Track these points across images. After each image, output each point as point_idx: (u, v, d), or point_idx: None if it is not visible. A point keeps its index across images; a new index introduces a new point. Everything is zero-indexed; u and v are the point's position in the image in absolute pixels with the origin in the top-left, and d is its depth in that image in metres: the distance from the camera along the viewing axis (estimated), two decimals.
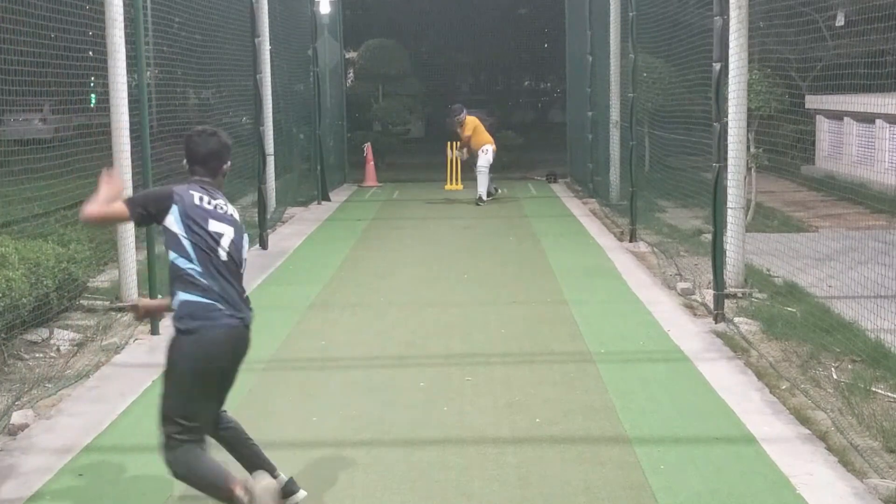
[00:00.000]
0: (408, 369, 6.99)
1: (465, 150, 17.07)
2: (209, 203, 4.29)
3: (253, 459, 4.52)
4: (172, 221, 4.21)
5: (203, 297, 4.17)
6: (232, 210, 4.40)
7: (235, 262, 4.31)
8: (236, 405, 5.82)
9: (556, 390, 6.38)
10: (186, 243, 4.19)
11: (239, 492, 4.14)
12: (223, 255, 4.23)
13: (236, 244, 4.32)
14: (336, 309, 8.86)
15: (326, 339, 7.82)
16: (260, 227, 12.20)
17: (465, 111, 17.02)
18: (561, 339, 7.69)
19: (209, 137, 4.46)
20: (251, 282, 9.97)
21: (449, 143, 18.76)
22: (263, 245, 12.12)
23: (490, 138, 16.93)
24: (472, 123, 16.84)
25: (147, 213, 4.28)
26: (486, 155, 16.50)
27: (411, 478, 4.98)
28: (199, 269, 4.18)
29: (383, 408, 6.07)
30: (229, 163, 4.52)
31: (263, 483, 4.21)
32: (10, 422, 5.72)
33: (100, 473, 5.10)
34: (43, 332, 7.56)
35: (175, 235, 4.20)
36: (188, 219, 4.20)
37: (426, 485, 4.90)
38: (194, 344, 4.17)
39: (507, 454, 5.29)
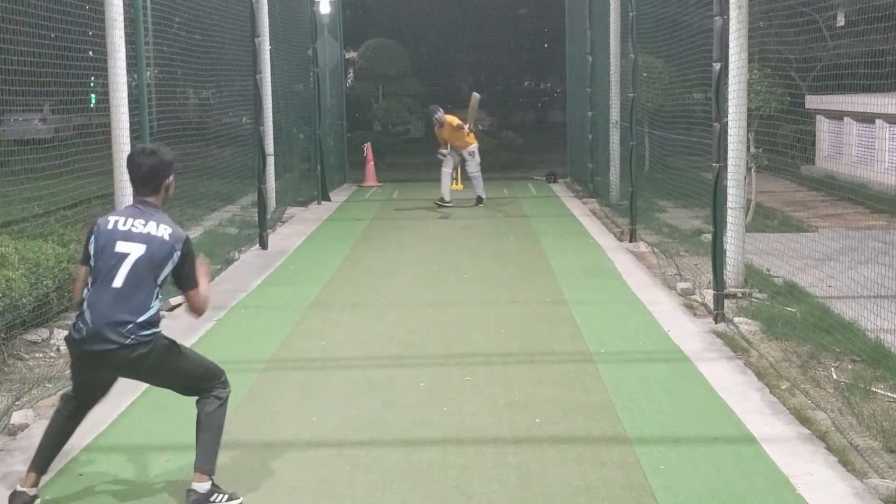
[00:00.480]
0: (408, 369, 6.99)
1: (445, 149, 16.20)
2: (125, 224, 4.46)
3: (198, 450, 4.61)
4: (91, 252, 4.47)
5: (83, 309, 4.42)
6: (154, 229, 4.45)
7: (139, 280, 4.38)
8: (236, 405, 5.83)
9: (556, 390, 6.38)
10: (95, 266, 4.44)
11: (24, 478, 4.55)
12: (120, 279, 4.38)
13: (152, 257, 4.41)
14: (336, 309, 8.86)
15: (326, 339, 7.82)
16: (260, 227, 12.20)
17: (441, 110, 16.27)
18: (561, 339, 7.69)
19: (146, 157, 4.58)
20: (251, 282, 9.98)
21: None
22: (263, 245, 12.12)
23: (473, 138, 16.25)
24: (452, 122, 16.13)
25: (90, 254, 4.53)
26: (473, 159, 16.05)
27: (411, 478, 4.98)
28: (93, 286, 4.42)
29: (383, 408, 6.07)
30: (172, 177, 4.64)
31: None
32: (10, 422, 5.72)
33: (100, 473, 5.10)
34: (43, 332, 7.56)
35: (91, 266, 4.47)
36: (99, 244, 4.45)
37: (426, 485, 4.89)
38: (67, 341, 4.56)
39: (507, 454, 5.28)
